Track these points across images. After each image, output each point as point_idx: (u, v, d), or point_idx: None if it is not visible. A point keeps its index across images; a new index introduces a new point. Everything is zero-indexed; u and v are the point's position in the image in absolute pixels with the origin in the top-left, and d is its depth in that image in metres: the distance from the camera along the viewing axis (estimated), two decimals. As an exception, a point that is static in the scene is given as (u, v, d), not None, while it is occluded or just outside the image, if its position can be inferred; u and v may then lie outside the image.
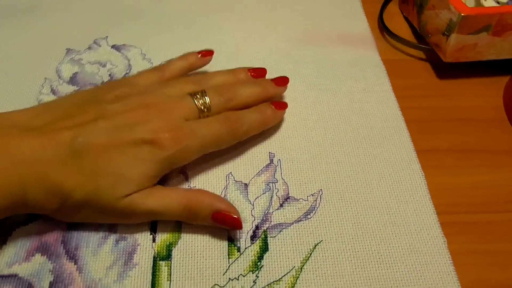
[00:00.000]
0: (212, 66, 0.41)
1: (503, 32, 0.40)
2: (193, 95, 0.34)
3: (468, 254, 0.33)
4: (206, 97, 0.35)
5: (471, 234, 0.35)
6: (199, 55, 0.40)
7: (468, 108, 0.42)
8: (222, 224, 0.32)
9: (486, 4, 0.41)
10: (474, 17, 0.39)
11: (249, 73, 0.39)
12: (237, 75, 0.39)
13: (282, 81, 0.40)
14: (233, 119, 0.34)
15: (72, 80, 0.43)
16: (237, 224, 0.32)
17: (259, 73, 0.40)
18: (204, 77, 0.38)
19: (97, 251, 0.32)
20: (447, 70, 0.45)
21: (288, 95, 0.42)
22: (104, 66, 0.44)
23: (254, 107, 0.36)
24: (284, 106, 0.38)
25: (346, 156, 0.38)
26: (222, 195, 0.35)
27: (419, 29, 0.47)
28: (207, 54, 0.40)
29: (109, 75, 0.44)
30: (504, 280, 0.32)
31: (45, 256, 0.32)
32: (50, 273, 0.31)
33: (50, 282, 0.31)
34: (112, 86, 0.35)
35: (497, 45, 0.42)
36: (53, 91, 0.42)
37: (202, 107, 0.34)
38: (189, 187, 0.36)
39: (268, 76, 0.40)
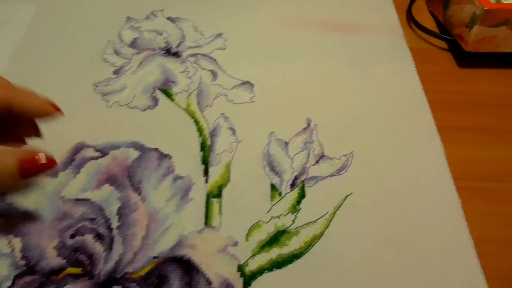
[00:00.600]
0: (251, 49, 0.46)
1: (521, 27, 0.45)
2: None
3: (480, 214, 0.37)
4: None
5: (483, 198, 0.38)
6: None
7: (484, 94, 0.47)
8: (34, 172, 0.28)
9: (504, 1, 0.46)
10: (495, 11, 0.44)
11: None
12: None
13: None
14: None
15: (133, 44, 0.48)
16: (50, 164, 0.28)
17: None
18: None
19: (157, 186, 0.37)
20: (467, 60, 0.50)
21: (324, 71, 0.47)
22: (160, 34, 0.49)
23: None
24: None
25: (374, 126, 0.42)
26: (265, 150, 0.40)
27: (444, 22, 0.51)
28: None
29: (165, 42, 0.48)
30: (510, 236, 0.36)
31: (113, 187, 0.36)
32: (118, 200, 0.35)
33: (118, 208, 0.35)
34: None
35: (515, 38, 0.46)
36: (116, 52, 0.47)
37: None
38: (237, 142, 0.40)
39: (311, 59, 0.45)
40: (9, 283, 0.31)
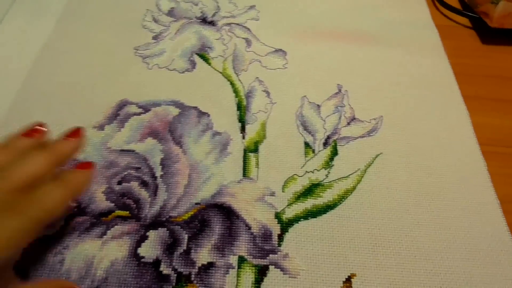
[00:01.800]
0: (283, 20, 0.47)
1: (546, 4, 0.45)
2: None
3: (504, 176, 0.38)
4: None
5: (506, 162, 0.39)
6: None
7: (506, 68, 0.47)
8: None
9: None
10: (523, -14, 0.44)
11: (26, 139, 0.28)
12: (12, 147, 0.28)
13: (75, 133, 0.31)
14: (27, 210, 0.24)
15: (170, 12, 0.49)
16: None
17: (37, 132, 0.29)
18: None
19: (197, 140, 0.38)
20: (490, 37, 0.50)
21: (353, 43, 0.48)
22: (196, 4, 0.50)
23: (53, 181, 0.27)
24: (88, 165, 0.30)
25: (403, 94, 0.43)
26: (298, 112, 0.40)
27: (468, 0, 0.52)
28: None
29: (201, 12, 0.49)
30: None
31: (156, 140, 0.37)
32: (161, 152, 0.37)
33: (161, 159, 0.36)
34: None
35: (538, 15, 0.47)
36: (155, 20, 0.48)
37: None
38: (271, 103, 0.41)
39: (341, 31, 0.46)
40: (62, 222, 0.32)
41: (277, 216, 0.33)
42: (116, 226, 0.32)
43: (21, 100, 0.39)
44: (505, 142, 0.40)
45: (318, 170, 0.36)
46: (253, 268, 0.31)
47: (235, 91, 0.41)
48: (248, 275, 0.30)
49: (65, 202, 0.26)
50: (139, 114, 0.38)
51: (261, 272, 0.30)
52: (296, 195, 0.34)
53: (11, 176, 0.25)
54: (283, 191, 0.35)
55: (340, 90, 0.42)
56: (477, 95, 0.44)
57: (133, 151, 0.36)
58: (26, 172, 0.25)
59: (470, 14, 0.51)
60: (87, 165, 0.30)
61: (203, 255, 0.31)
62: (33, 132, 0.29)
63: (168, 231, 0.32)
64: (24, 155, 0.26)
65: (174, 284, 0.30)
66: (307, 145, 0.38)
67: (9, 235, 0.23)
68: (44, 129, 0.30)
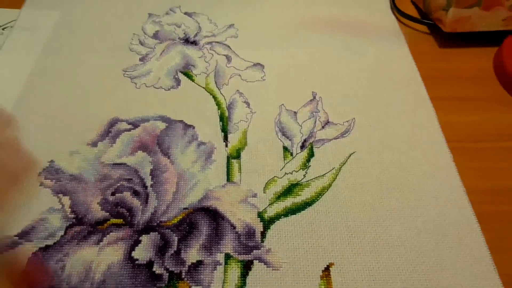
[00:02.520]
0: (260, 36, 0.50)
1: (491, 7, 0.48)
2: None
3: (470, 169, 0.41)
4: None
5: (469, 155, 0.42)
6: None
7: (463, 69, 0.50)
8: None
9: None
10: (468, -7, 0.47)
11: None
12: None
13: None
14: None
15: (155, 35, 0.52)
16: None
17: None
18: None
19: (184, 150, 0.40)
20: (447, 41, 0.54)
21: (326, 53, 0.51)
22: (179, 26, 0.53)
23: None
24: None
25: (373, 96, 0.46)
26: (276, 119, 0.43)
27: (424, 8, 0.55)
28: None
29: (184, 33, 0.52)
30: (498, 185, 0.40)
31: (145, 153, 0.40)
32: (150, 163, 0.39)
33: (150, 170, 0.39)
34: None
35: (486, 18, 0.50)
36: (141, 43, 0.51)
37: None
38: (251, 113, 0.44)
39: (314, 44, 0.50)
40: (62, 232, 0.35)
41: (260, 215, 0.36)
42: (111, 233, 0.34)
43: (17, 119, 0.41)
44: (470, 137, 0.43)
45: (296, 171, 0.39)
46: (239, 263, 0.33)
47: (218, 104, 0.44)
48: (234, 270, 0.33)
49: None
50: (129, 130, 0.41)
51: (246, 267, 0.33)
52: (277, 195, 0.37)
53: None
54: (264, 192, 0.37)
55: (314, 97, 0.45)
56: (440, 96, 0.46)
57: (124, 164, 0.39)
58: None
59: (426, 21, 0.54)
60: None
61: (192, 254, 0.33)
62: None
63: (159, 235, 0.34)
64: None
65: (166, 282, 0.32)
66: (285, 149, 0.40)
67: None
68: None
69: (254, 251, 0.33)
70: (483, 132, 0.44)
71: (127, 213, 0.35)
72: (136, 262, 0.33)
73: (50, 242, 0.34)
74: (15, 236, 0.34)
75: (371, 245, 0.34)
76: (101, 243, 0.34)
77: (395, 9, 0.56)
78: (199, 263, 0.33)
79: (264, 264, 0.33)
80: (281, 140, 0.41)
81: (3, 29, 0.52)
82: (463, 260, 0.34)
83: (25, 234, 0.34)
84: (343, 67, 0.48)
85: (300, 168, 0.39)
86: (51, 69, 0.47)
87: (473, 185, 0.39)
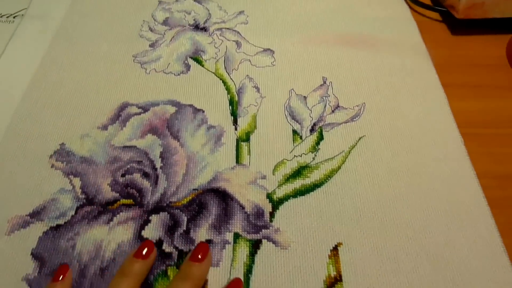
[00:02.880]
0: (270, 23, 0.50)
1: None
2: None
3: (478, 154, 0.40)
4: None
5: (481, 141, 0.42)
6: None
7: (476, 56, 0.50)
8: None
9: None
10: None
11: (139, 260, 0.32)
12: (131, 272, 0.31)
13: (203, 252, 0.32)
14: None
15: (165, 22, 0.52)
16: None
17: (145, 252, 0.32)
18: None
19: (194, 134, 0.40)
20: (459, 28, 0.53)
21: (337, 39, 0.50)
22: (189, 13, 0.53)
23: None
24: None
25: (384, 82, 0.46)
26: (286, 103, 0.43)
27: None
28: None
29: (193, 20, 0.53)
30: (510, 171, 0.40)
31: (155, 136, 0.40)
32: (160, 146, 0.39)
33: (160, 152, 0.39)
34: None
35: (501, 4, 0.49)
36: (151, 29, 0.51)
37: None
38: (261, 97, 0.44)
39: (324, 30, 0.49)
40: (72, 212, 0.35)
41: (268, 196, 0.36)
42: (121, 213, 0.35)
43: (28, 106, 0.42)
44: (482, 123, 0.43)
45: (305, 154, 0.39)
46: (248, 242, 0.33)
47: (227, 89, 0.44)
48: (243, 249, 0.33)
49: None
50: (139, 114, 0.41)
51: (255, 246, 0.33)
52: (286, 177, 0.37)
53: None
54: (273, 174, 0.37)
55: (325, 82, 0.45)
56: (452, 82, 0.46)
57: (134, 146, 0.39)
58: None
59: (439, 8, 0.53)
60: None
61: (201, 233, 0.33)
62: (143, 254, 0.32)
63: (168, 215, 0.34)
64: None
65: (175, 260, 0.32)
66: (295, 132, 0.40)
67: None
68: (151, 249, 0.32)
69: (263, 230, 0.33)
70: (495, 118, 0.43)
71: (137, 194, 0.35)
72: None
73: (61, 221, 0.34)
74: (27, 215, 0.34)
75: (380, 226, 0.34)
76: (111, 222, 0.34)
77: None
78: (208, 242, 0.33)
79: (273, 243, 0.33)
80: (290, 124, 0.41)
81: (14, 17, 0.53)
82: (473, 242, 0.33)
83: (36, 214, 0.34)
84: (354, 54, 0.48)
85: (310, 151, 0.39)
86: (62, 56, 0.47)
87: (484, 170, 0.38)
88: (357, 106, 0.43)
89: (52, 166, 0.37)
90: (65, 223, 0.34)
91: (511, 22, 0.51)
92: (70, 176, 0.37)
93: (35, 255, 0.32)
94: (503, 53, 0.49)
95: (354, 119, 0.41)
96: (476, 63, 0.49)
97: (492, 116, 0.43)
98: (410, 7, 0.55)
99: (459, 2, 0.48)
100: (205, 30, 0.50)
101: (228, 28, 0.51)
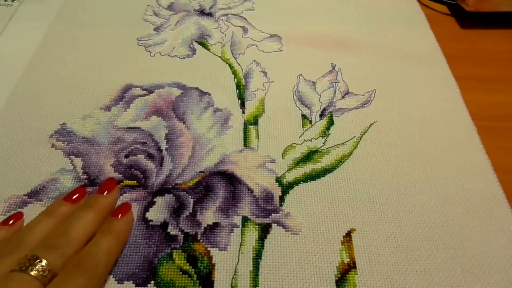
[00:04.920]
0: (277, 9, 0.47)
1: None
2: (20, 268, 0.24)
3: (495, 147, 0.39)
4: (38, 261, 0.24)
5: (497, 134, 0.40)
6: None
7: (486, 50, 0.49)
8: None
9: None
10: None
11: (67, 203, 0.30)
12: (56, 213, 0.29)
13: (111, 186, 0.32)
14: (86, 265, 0.25)
15: (169, 7, 0.50)
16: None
17: (75, 197, 0.31)
18: (20, 237, 0.27)
19: (200, 116, 0.39)
20: (468, 22, 0.52)
21: (346, 27, 0.50)
22: (194, -1, 0.51)
23: (99, 233, 0.28)
24: (127, 208, 0.31)
25: (395, 70, 0.45)
26: (295, 88, 0.42)
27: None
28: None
29: (199, 5, 0.51)
30: None
31: (160, 117, 0.38)
32: (165, 127, 0.38)
33: (165, 134, 0.37)
34: None
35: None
36: (155, 14, 0.49)
37: (42, 274, 0.24)
38: (269, 82, 0.42)
39: (331, 17, 0.47)
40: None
41: (278, 180, 0.34)
42: (124, 194, 0.33)
43: (28, 84, 0.41)
44: (493, 117, 0.41)
45: (315, 139, 0.37)
46: (257, 226, 0.31)
47: (234, 72, 0.42)
48: (252, 233, 0.31)
49: (118, 253, 0.29)
50: (143, 95, 0.40)
51: (264, 230, 0.31)
52: (296, 161, 0.35)
53: (71, 240, 0.26)
54: (282, 158, 0.35)
55: (334, 68, 0.43)
56: (462, 75, 0.44)
57: (139, 128, 0.37)
58: (81, 233, 0.27)
59: (448, 1, 0.52)
60: (125, 209, 0.31)
61: (208, 216, 0.32)
62: (73, 198, 0.31)
63: (174, 197, 0.33)
64: (75, 218, 0.28)
65: (181, 243, 0.30)
66: (304, 117, 0.39)
67: None
68: (84, 193, 0.32)
69: (273, 214, 0.32)
70: (506, 112, 0.42)
71: (141, 175, 0.34)
72: (150, 223, 0.31)
73: (62, 201, 0.32)
74: (24, 195, 0.32)
75: (393, 213, 0.32)
76: (114, 203, 0.32)
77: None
78: (215, 225, 0.31)
79: (283, 228, 0.31)
80: (299, 109, 0.39)
81: (12, 1, 0.50)
82: (489, 230, 0.32)
83: (34, 194, 0.33)
84: (362, 42, 0.47)
85: (320, 136, 0.37)
86: (63, 36, 0.45)
87: (496, 164, 0.37)
88: (367, 92, 0.41)
89: (53, 146, 0.35)
90: (66, 203, 0.32)
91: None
92: (71, 156, 0.35)
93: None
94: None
95: (365, 105, 0.40)
96: (486, 57, 0.48)
97: (503, 110, 0.42)
98: (418, 1, 0.53)
99: (470, -6, 0.47)
100: (211, 16, 0.48)
101: (234, 14, 0.49)
